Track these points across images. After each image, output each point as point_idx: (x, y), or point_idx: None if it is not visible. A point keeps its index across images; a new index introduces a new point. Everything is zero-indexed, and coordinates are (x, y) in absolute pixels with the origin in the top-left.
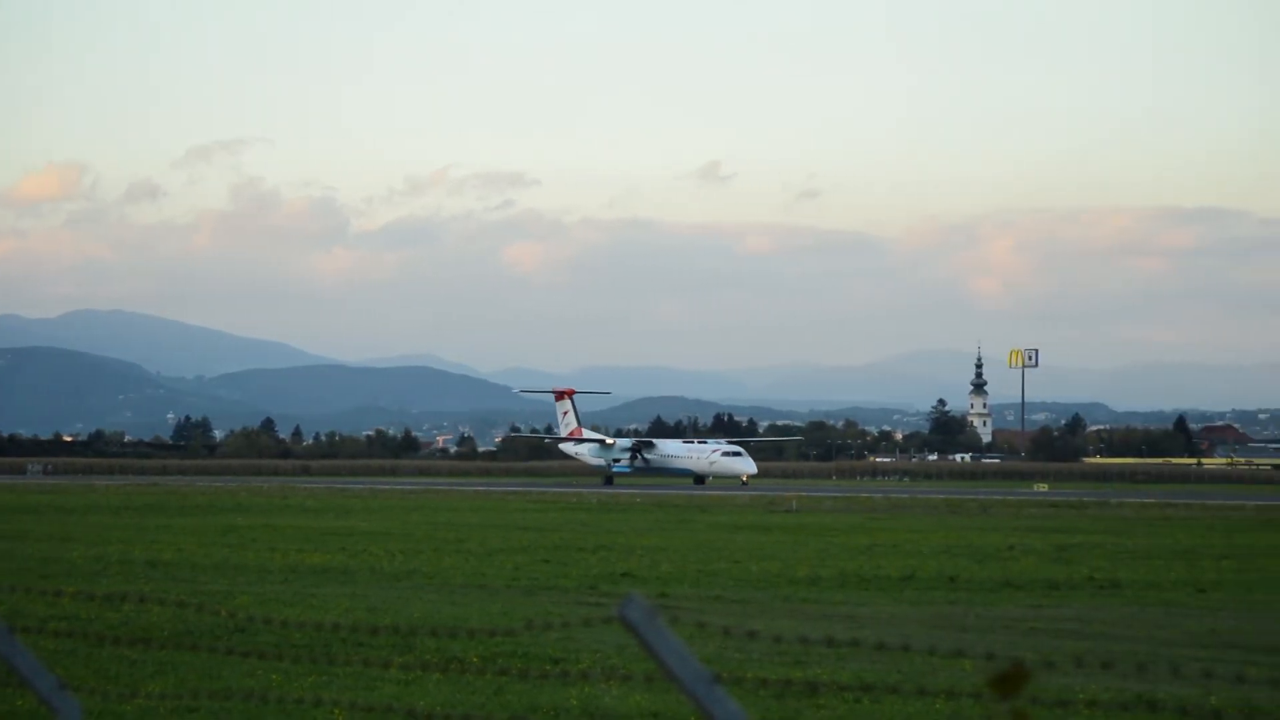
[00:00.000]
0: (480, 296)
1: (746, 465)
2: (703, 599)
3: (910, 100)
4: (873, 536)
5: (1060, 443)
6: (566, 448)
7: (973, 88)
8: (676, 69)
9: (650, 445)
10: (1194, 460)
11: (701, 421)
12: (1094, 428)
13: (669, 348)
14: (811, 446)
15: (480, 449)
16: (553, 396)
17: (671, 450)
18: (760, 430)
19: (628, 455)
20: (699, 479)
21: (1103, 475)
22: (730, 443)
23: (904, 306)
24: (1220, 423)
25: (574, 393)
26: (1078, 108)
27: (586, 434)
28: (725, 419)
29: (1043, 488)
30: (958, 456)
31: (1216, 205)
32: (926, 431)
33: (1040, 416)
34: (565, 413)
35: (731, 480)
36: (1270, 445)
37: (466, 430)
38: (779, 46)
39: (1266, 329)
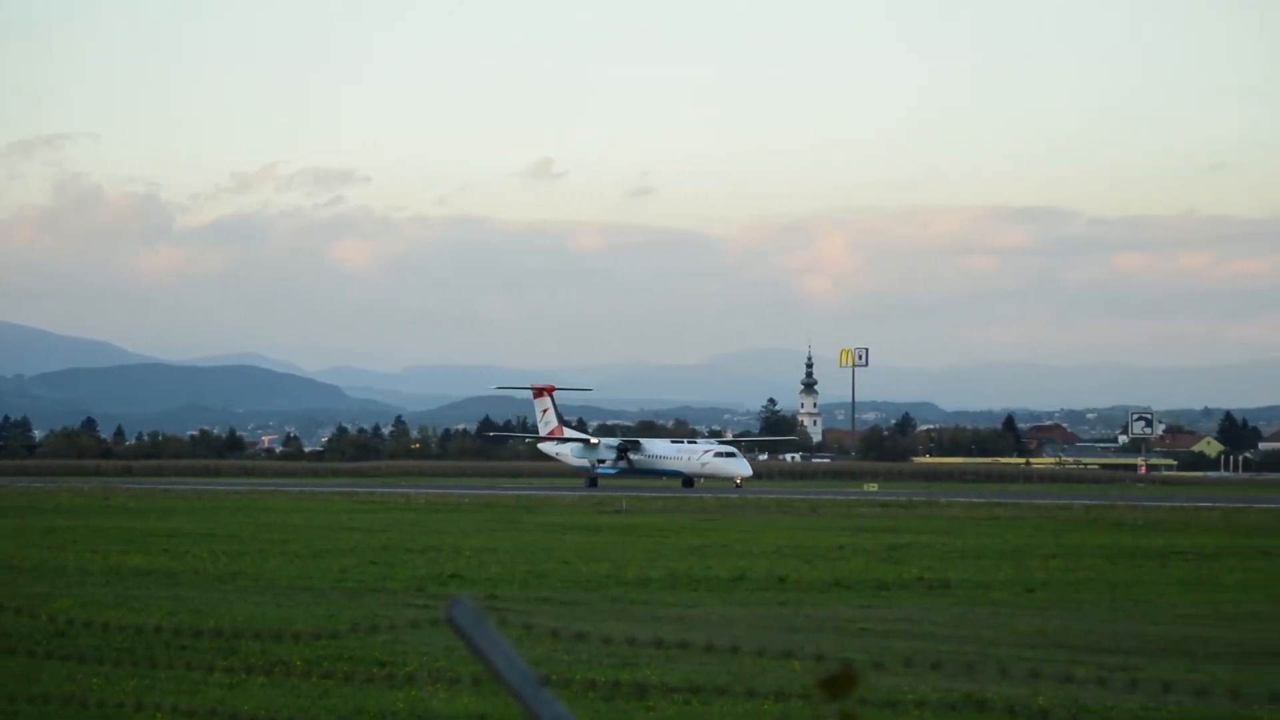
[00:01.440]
0: (307, 295)
1: (740, 467)
2: (531, 601)
3: (739, 98)
4: (703, 537)
5: (890, 442)
6: (547, 448)
7: (803, 85)
8: (508, 66)
9: (637, 445)
10: (1023, 460)
11: (530, 421)
12: (924, 427)
13: (499, 346)
14: None
15: (306, 449)
16: (531, 393)
17: (659, 451)
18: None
19: (614, 455)
20: (688, 481)
21: (932, 475)
22: (722, 442)
23: (736, 305)
24: (1049, 422)
25: (554, 389)
26: (910, 106)
27: (568, 433)
28: None
29: (873, 487)
30: (788, 456)
31: (1047, 205)
32: (757, 431)
33: (871, 416)
34: (544, 410)
35: (724, 483)
36: (1098, 445)
37: (292, 430)
38: (608, 43)
39: (1095, 329)
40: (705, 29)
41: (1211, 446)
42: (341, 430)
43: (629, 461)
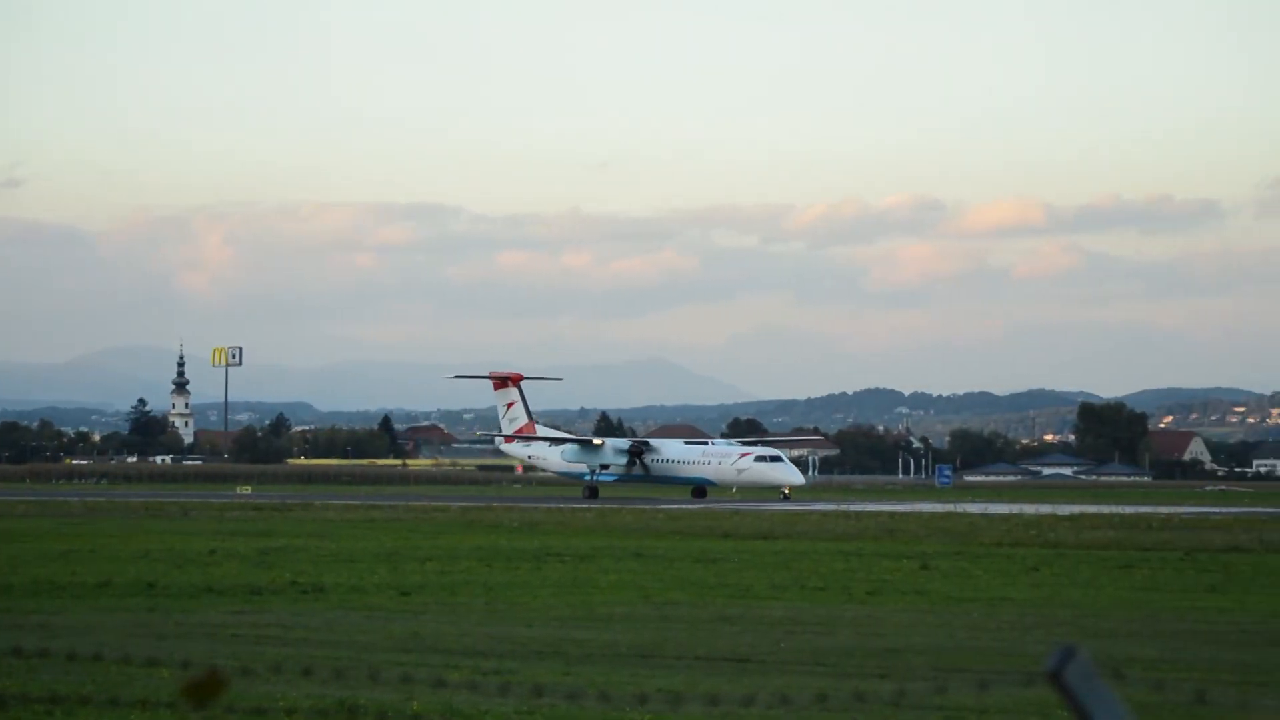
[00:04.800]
0: None
1: (789, 474)
2: None
3: (101, 85)
4: (69, 542)
5: (264, 444)
6: (514, 449)
7: (201, 76)
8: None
9: (648, 446)
10: (399, 461)
11: None
12: (299, 428)
13: None
14: (3, 449)
15: None
16: (490, 384)
17: (676, 453)
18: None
19: (624, 459)
20: (699, 491)
21: (307, 477)
22: (761, 443)
23: (109, 302)
24: (426, 423)
25: (521, 379)
26: (307, 105)
27: (542, 431)
28: None
29: (246, 490)
30: (159, 458)
31: (431, 202)
32: (126, 432)
33: (245, 416)
34: (510, 404)
35: (768, 494)
36: (475, 446)
37: None
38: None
39: (477, 328)
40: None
41: None
42: None
43: (643, 466)
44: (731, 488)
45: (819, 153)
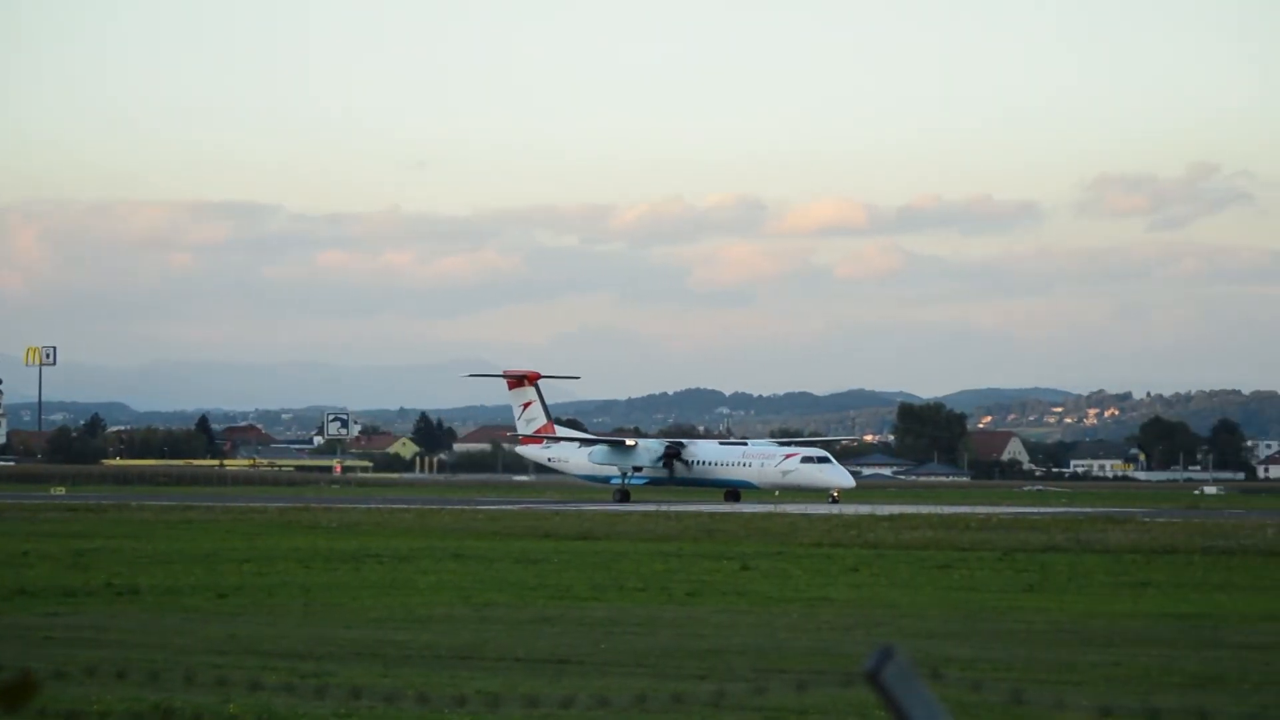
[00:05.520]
0: None
1: (839, 476)
2: None
3: None
4: None
5: (79, 444)
6: (532, 451)
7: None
8: None
9: (683, 447)
10: (216, 462)
11: None
12: (115, 428)
13: None
14: None
15: None
16: (505, 383)
17: (714, 455)
18: None
19: (659, 462)
20: (733, 494)
21: (123, 478)
22: (804, 443)
23: None
24: (244, 423)
25: (539, 377)
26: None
27: (562, 431)
28: None
29: (60, 491)
30: None
31: (249, 200)
32: None
33: (59, 416)
34: (527, 404)
35: (814, 497)
36: (293, 446)
37: None
38: None
39: (295, 327)
40: None
41: (407, 448)
42: None
43: (679, 469)
44: (774, 491)
45: (640, 152)
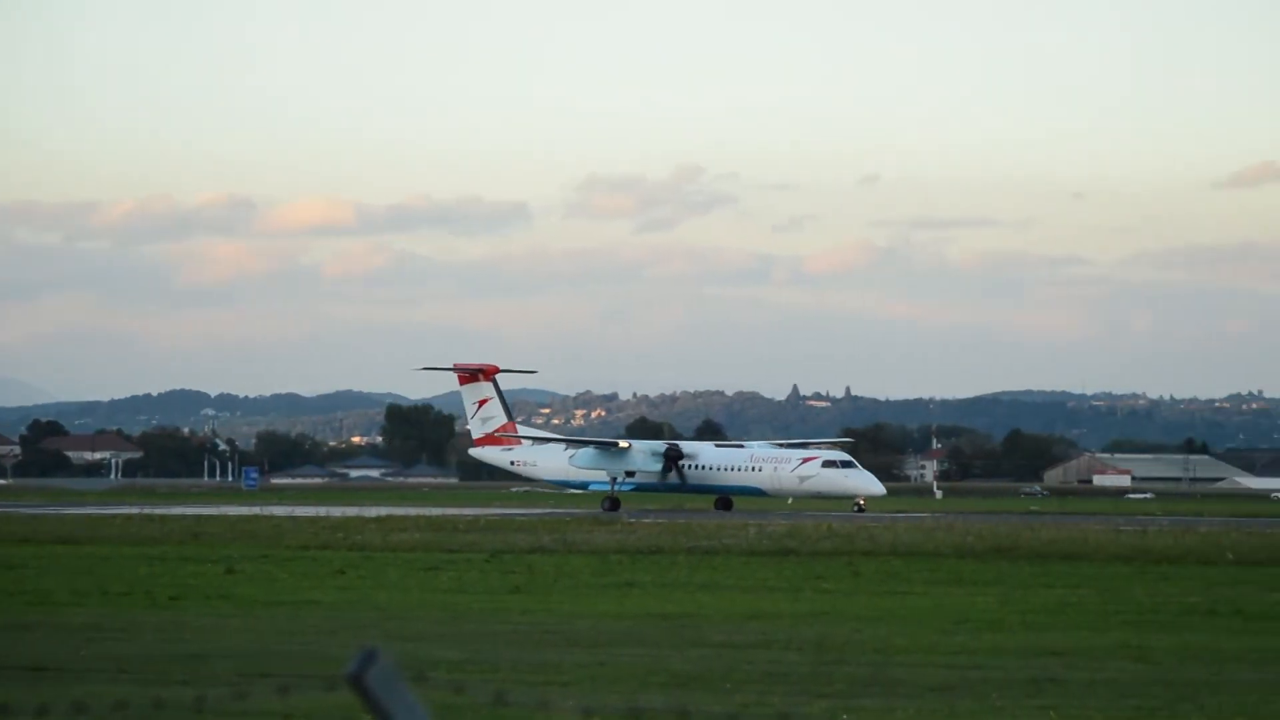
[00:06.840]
0: None
1: (866, 483)
2: None
3: None
4: None
5: None
6: (489, 454)
7: None
8: None
9: (683, 450)
10: None
11: None
12: None
13: None
14: None
15: None
16: (455, 378)
17: (719, 459)
18: None
19: (658, 465)
20: (724, 502)
21: None
22: (827, 445)
23: None
24: None
25: (497, 371)
26: None
27: (526, 431)
28: None
29: None
30: None
31: None
32: None
33: None
34: (483, 401)
35: (838, 504)
36: None
37: None
38: None
39: None
40: None
41: None
42: None
43: (680, 474)
44: (788, 498)
45: (125, 148)
